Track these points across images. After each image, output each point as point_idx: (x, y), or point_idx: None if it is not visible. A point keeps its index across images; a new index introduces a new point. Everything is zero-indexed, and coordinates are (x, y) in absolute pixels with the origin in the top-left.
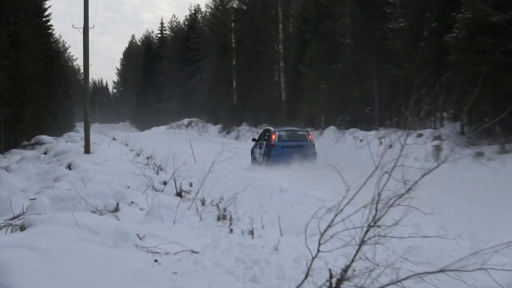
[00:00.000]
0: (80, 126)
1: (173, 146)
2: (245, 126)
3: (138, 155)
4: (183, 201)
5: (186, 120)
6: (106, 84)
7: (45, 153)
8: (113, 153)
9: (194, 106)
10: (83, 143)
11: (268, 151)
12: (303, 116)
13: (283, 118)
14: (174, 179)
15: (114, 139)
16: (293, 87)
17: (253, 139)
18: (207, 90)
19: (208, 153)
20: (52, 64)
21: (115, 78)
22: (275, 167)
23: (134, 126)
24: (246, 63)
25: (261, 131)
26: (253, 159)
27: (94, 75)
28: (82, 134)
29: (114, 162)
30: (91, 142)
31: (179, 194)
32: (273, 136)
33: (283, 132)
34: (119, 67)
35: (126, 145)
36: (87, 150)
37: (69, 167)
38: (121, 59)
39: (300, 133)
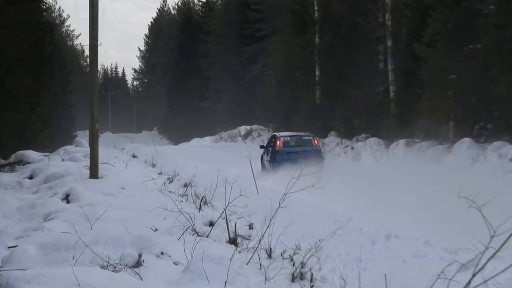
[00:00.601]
0: (83, 137)
1: (224, 167)
2: (333, 137)
3: (170, 181)
4: (240, 252)
5: (243, 128)
6: (123, 73)
7: (30, 177)
8: (133, 178)
9: (255, 106)
10: (88, 162)
11: (273, 157)
12: (421, 123)
13: (391, 124)
14: (226, 218)
15: (134, 156)
16: (406, 78)
17: (261, 146)
18: (276, 82)
19: (277, 178)
20: (43, 44)
21: (137, 64)
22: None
23: (165, 136)
24: (335, 43)
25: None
26: (262, 166)
27: (105, 59)
28: (87, 149)
29: (134, 192)
30: (100, 161)
31: (233, 241)
32: (278, 142)
33: (288, 138)
34: (142, 48)
35: (153, 165)
36: (93, 173)
37: (66, 198)
38: (145, 35)
39: (306, 138)
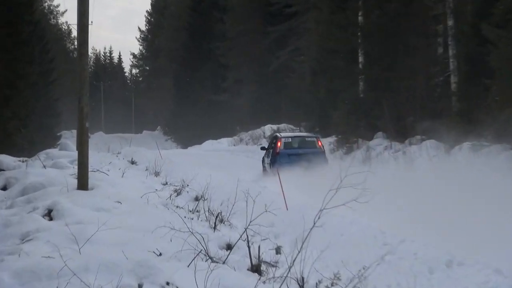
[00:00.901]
0: (70, 138)
1: (245, 176)
2: (380, 139)
3: (178, 193)
4: (264, 282)
5: (268, 128)
6: (120, 59)
7: (3, 188)
8: (131, 190)
9: (283, 101)
10: (75, 169)
11: (273, 160)
12: (490, 122)
13: (453, 123)
14: (247, 240)
15: (133, 162)
16: (471, 66)
17: (262, 148)
18: (309, 71)
19: (310, 190)
20: (20, 23)
21: (136, 48)
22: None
23: (171, 138)
24: (383, 22)
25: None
26: (264, 169)
27: (98, 42)
28: (74, 153)
29: (133, 207)
30: (90, 168)
31: (256, 269)
32: (279, 144)
33: (290, 139)
34: (143, 28)
35: (156, 174)
36: (82, 183)
37: (49, 214)
38: (147, 12)
39: (309, 139)
